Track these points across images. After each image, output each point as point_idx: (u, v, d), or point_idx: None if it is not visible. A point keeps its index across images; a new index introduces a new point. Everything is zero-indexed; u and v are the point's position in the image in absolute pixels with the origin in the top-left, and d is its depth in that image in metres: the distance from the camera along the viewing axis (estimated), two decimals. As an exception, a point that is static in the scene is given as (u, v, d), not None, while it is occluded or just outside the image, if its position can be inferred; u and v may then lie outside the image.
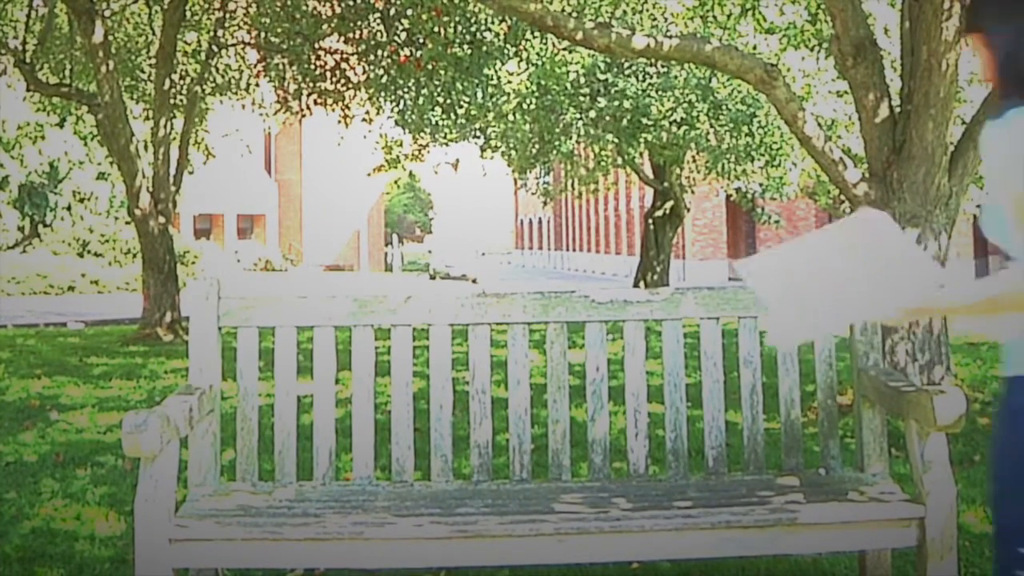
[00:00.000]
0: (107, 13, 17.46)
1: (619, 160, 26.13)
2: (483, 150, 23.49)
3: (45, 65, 19.97)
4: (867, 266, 3.09)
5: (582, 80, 21.87)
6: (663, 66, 22.06)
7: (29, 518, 6.04)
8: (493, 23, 17.15)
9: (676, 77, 22.06)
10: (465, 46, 17.12)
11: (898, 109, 8.34)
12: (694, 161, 26.52)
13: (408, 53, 17.57)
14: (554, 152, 23.48)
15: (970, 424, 7.81)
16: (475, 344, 4.70)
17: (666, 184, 27.46)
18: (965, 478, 6.48)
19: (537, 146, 23.55)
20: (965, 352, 12.70)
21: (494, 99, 18.85)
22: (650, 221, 28.92)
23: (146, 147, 18.63)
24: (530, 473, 4.65)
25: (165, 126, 17.76)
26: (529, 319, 4.68)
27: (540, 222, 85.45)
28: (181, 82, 20.32)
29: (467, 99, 18.21)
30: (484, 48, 17.30)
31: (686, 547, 3.92)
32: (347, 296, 4.70)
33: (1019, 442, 2.97)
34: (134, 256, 38.74)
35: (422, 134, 21.17)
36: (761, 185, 27.11)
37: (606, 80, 22.10)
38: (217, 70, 21.33)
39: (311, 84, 20.05)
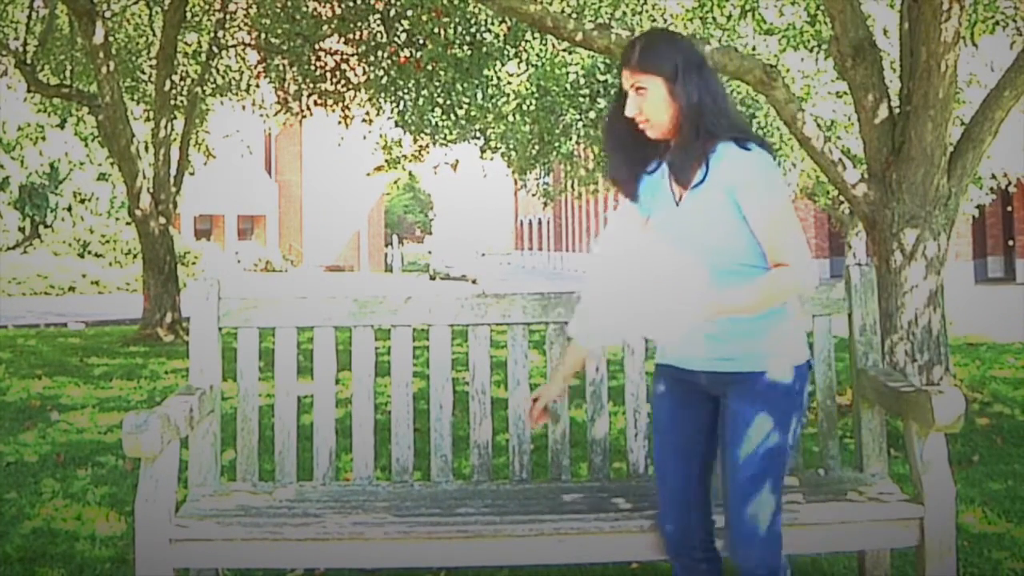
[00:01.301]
0: (108, 14, 17.51)
1: (619, 161, 26.09)
2: (483, 151, 23.46)
3: (46, 66, 19.97)
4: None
5: (582, 81, 21.86)
6: (663, 67, 22.04)
7: (30, 518, 6.05)
8: (493, 24, 17.16)
9: (676, 78, 22.04)
10: (465, 47, 17.13)
11: (897, 110, 8.35)
12: (694, 162, 26.49)
13: (408, 54, 17.57)
14: (554, 153, 23.46)
15: (969, 424, 7.84)
16: (475, 344, 4.71)
17: (666, 185, 27.44)
18: (964, 478, 6.50)
19: (537, 147, 23.53)
20: (964, 352, 12.72)
21: (494, 100, 18.85)
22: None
23: (147, 148, 18.65)
24: (530, 473, 4.65)
25: (166, 127, 17.77)
26: (529, 320, 4.69)
27: (540, 223, 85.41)
28: (182, 83, 20.34)
29: (467, 100, 18.21)
30: (484, 49, 17.31)
31: (685, 547, 3.93)
32: (347, 296, 4.70)
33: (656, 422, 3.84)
34: (134, 257, 38.79)
35: (422, 135, 21.15)
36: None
37: (606, 81, 22.08)
38: (217, 71, 21.34)
39: (311, 85, 20.06)
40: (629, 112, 3.65)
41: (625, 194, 3.84)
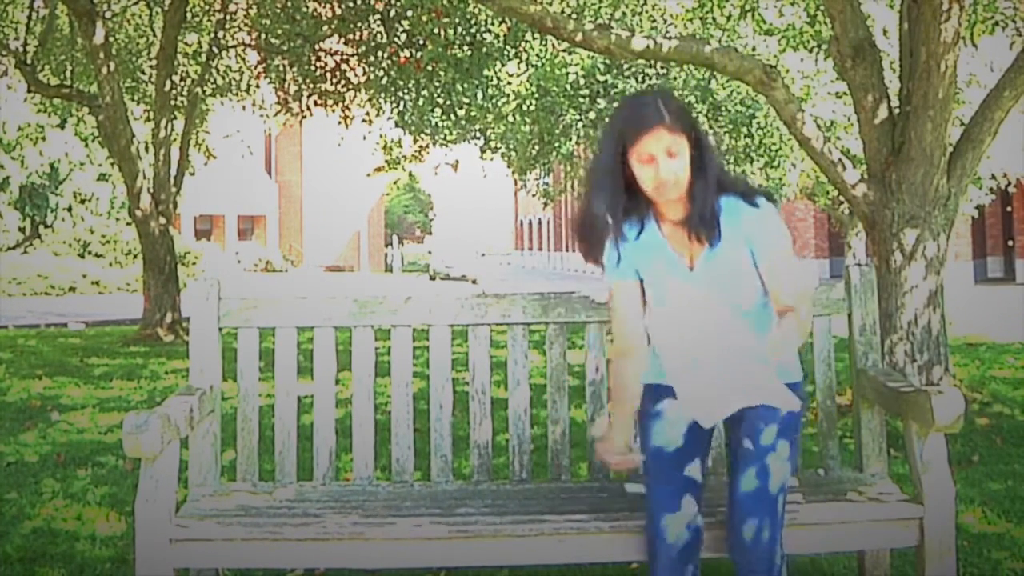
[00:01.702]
0: (108, 14, 17.51)
1: (619, 161, 26.08)
2: (483, 151, 23.47)
3: (46, 66, 19.98)
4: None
5: (582, 81, 21.89)
6: (662, 67, 22.06)
7: (30, 518, 6.05)
8: (493, 24, 17.16)
9: (675, 78, 22.08)
10: (465, 47, 17.13)
11: (897, 110, 8.34)
12: (694, 162, 26.48)
13: (408, 54, 17.57)
14: (554, 153, 23.48)
15: (968, 424, 7.84)
16: (475, 345, 4.71)
17: (666, 185, 27.42)
18: (964, 478, 6.50)
19: (537, 147, 23.55)
20: (964, 353, 12.72)
21: (494, 100, 18.85)
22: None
23: (147, 148, 18.65)
24: (530, 473, 4.66)
25: (166, 127, 17.78)
26: (529, 320, 4.69)
27: (540, 223, 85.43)
28: (182, 83, 20.35)
29: (467, 100, 18.21)
30: (484, 49, 17.30)
31: (685, 547, 3.93)
32: (347, 297, 4.70)
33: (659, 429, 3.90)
34: (135, 257, 38.85)
35: (422, 135, 21.17)
36: (760, 186, 27.07)
37: (605, 81, 22.11)
38: (218, 71, 21.35)
39: (311, 85, 20.06)
40: (667, 176, 3.61)
41: (592, 256, 3.90)
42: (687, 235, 3.74)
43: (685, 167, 3.63)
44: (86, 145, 33.42)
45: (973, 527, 5.52)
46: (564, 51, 19.92)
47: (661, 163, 3.60)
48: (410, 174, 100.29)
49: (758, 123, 22.34)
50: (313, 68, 19.51)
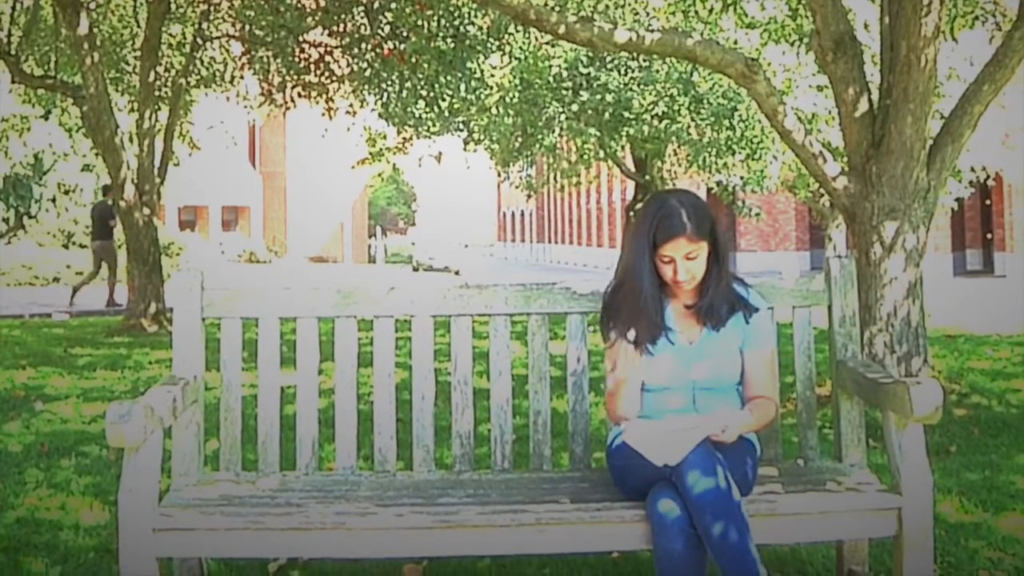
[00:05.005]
0: (92, 5, 17.44)
1: (601, 153, 26.13)
2: (466, 143, 23.49)
3: (30, 57, 19.91)
4: None
5: (564, 74, 21.91)
6: (645, 60, 22.09)
7: (14, 508, 6.06)
8: (476, 17, 17.18)
9: (658, 71, 22.12)
10: (448, 40, 17.14)
11: (877, 104, 8.38)
12: (675, 154, 26.52)
13: (392, 46, 17.58)
14: (537, 145, 23.52)
15: (946, 415, 7.88)
16: (457, 335, 4.74)
17: (648, 177, 27.47)
18: (941, 468, 6.55)
19: (520, 139, 23.58)
20: (943, 344, 12.78)
21: (477, 93, 18.87)
22: (631, 214, 28.95)
23: (131, 139, 18.58)
24: (511, 463, 4.68)
25: (150, 118, 17.71)
26: (511, 311, 4.71)
27: (523, 215, 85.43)
28: (166, 74, 20.29)
29: (450, 92, 18.23)
30: (467, 42, 17.32)
31: (665, 536, 3.96)
32: (331, 288, 4.72)
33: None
34: (119, 247, 38.69)
35: (406, 127, 21.18)
36: (742, 178, 27.08)
37: (588, 74, 22.13)
38: (202, 62, 21.30)
39: (295, 77, 20.02)
40: (683, 277, 4.16)
41: (612, 324, 4.30)
42: (695, 319, 4.27)
43: (701, 266, 4.19)
44: (70, 136, 33.31)
45: (951, 517, 5.57)
46: (547, 43, 19.95)
47: (680, 265, 4.14)
48: (394, 166, 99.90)
49: (740, 116, 22.39)
50: (297, 60, 19.47)
